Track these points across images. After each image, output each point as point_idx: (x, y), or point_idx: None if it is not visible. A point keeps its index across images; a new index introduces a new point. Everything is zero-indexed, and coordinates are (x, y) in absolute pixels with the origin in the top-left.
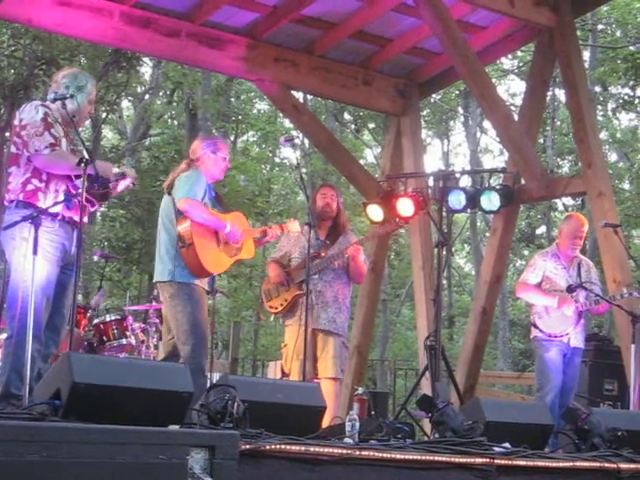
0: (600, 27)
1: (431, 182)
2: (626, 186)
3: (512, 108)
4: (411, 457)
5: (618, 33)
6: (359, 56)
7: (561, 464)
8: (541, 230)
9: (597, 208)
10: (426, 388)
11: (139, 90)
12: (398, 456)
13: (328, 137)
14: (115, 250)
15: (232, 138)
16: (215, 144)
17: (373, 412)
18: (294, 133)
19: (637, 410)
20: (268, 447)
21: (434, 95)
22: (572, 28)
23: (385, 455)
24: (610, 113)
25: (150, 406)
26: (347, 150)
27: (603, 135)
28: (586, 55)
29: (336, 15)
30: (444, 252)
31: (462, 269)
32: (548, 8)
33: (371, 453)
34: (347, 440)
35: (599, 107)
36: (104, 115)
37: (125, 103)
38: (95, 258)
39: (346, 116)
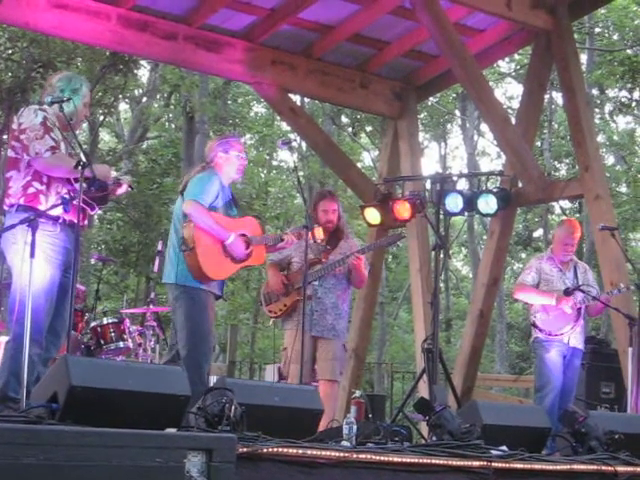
0: (597, 30)
1: (428, 185)
2: (623, 189)
3: (509, 111)
4: (408, 460)
5: (615, 36)
6: (356, 59)
7: (558, 467)
8: (538, 233)
9: (594, 211)
10: (423, 391)
11: (136, 93)
12: (395, 459)
13: (325, 140)
14: (112, 253)
15: None
16: (227, 142)
17: (370, 415)
18: (291, 136)
19: (634, 413)
20: (265, 450)
21: (431, 98)
22: (569, 31)
23: (382, 458)
24: (607, 116)
25: (147, 409)
26: (344, 153)
27: (600, 138)
28: (583, 58)
29: (333, 18)
30: (441, 255)
31: (459, 272)
32: (545, 11)
33: (368, 456)
34: (344, 443)
35: (596, 110)
36: (101, 118)
37: (122, 106)
38: (92, 261)
39: (343, 119)
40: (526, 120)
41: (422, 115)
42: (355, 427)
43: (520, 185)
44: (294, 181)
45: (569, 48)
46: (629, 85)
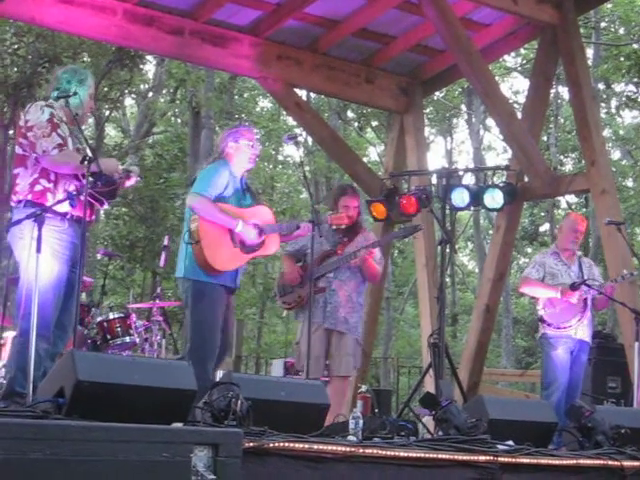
0: (603, 24)
1: (434, 180)
2: (629, 184)
3: (515, 106)
4: (414, 455)
5: (621, 30)
6: (362, 54)
7: (565, 462)
8: (544, 228)
9: (600, 206)
10: (429, 386)
11: (142, 88)
12: (401, 454)
13: (331, 135)
14: (119, 248)
15: None
16: (237, 132)
17: (376, 410)
18: (297, 131)
19: None
20: (272, 445)
21: (437, 93)
22: (575, 25)
23: (388, 453)
24: (613, 110)
25: (154, 404)
26: (350, 148)
27: (606, 133)
28: (589, 52)
29: (339, 13)
30: (447, 250)
31: (465, 267)
32: (551, 5)
33: (374, 451)
34: (350, 438)
35: (602, 105)
36: (107, 113)
37: (128, 101)
38: (98, 256)
39: (349, 114)
40: (532, 115)
41: (428, 110)
42: (361, 422)
43: (526, 180)
44: (300, 176)
45: (575, 42)
46: (635, 79)
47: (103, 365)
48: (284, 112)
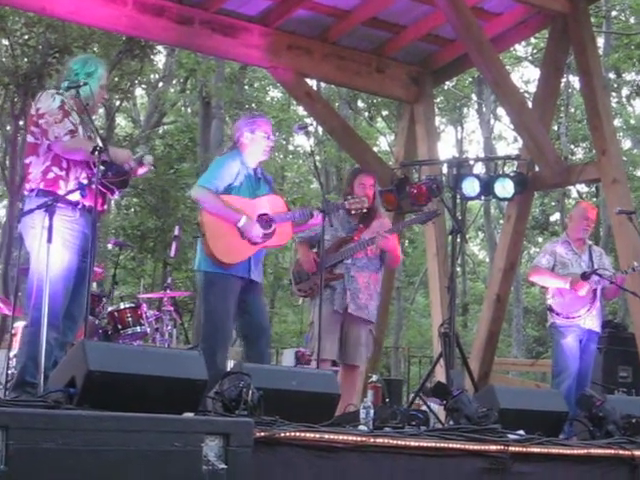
0: (614, 13)
1: (445, 169)
2: None
3: (526, 95)
4: (425, 444)
5: (632, 20)
6: (372, 43)
7: (575, 451)
8: (555, 217)
9: (611, 195)
10: (440, 375)
11: (152, 78)
12: (412, 443)
13: (342, 124)
14: (130, 238)
15: None
16: (253, 122)
17: (387, 399)
18: (308, 120)
19: None
20: (283, 434)
21: (448, 82)
22: (586, 14)
23: (399, 442)
24: (624, 100)
25: (165, 394)
26: (361, 137)
27: (617, 122)
28: (600, 42)
29: (349, 2)
30: (458, 239)
31: (476, 256)
32: None
33: (385, 440)
34: (361, 427)
35: (613, 94)
36: (118, 103)
37: (139, 91)
38: (109, 246)
39: (360, 103)
40: (543, 104)
41: (438, 99)
42: (372, 411)
43: (537, 169)
44: (310, 166)
45: (586, 32)
46: None
47: (114, 355)
48: (294, 102)
